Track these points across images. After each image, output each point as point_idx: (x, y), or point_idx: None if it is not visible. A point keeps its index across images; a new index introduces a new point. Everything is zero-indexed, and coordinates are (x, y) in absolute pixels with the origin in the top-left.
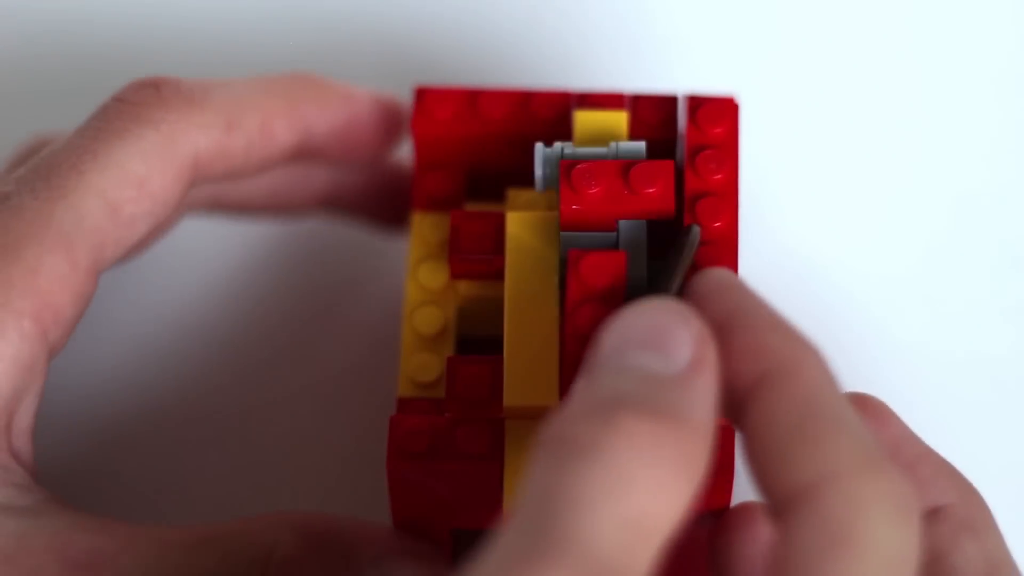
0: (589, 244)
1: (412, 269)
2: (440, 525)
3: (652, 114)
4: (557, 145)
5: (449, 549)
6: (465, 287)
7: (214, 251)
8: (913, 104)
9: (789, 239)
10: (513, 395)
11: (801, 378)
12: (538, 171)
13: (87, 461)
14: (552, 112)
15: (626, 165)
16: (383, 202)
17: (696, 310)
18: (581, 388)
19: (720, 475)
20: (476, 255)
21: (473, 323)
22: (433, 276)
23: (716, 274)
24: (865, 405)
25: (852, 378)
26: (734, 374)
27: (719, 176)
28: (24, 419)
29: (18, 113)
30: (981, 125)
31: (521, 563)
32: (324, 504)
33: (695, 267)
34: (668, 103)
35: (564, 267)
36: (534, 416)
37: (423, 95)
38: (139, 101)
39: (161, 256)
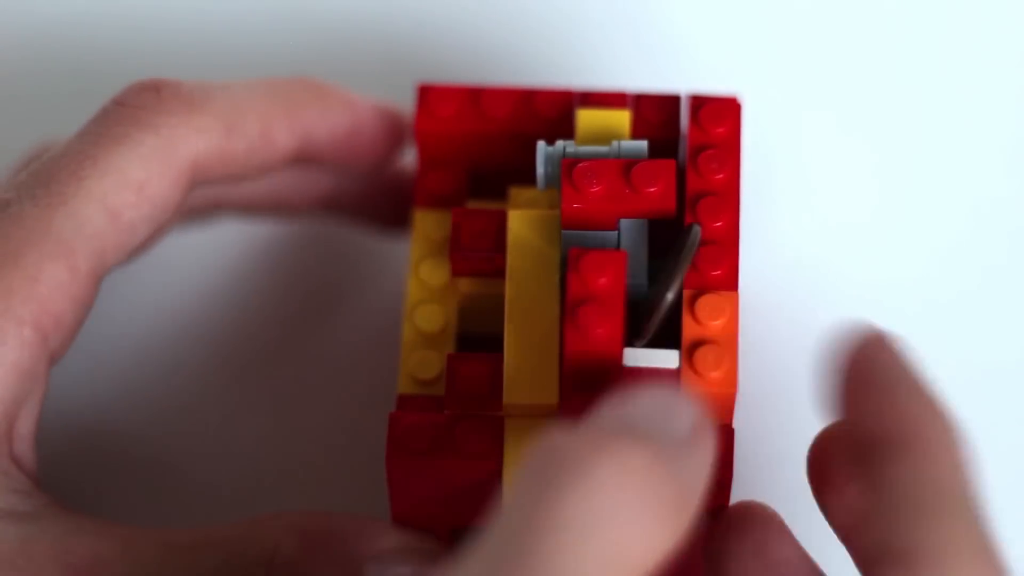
0: (590, 243)
1: (413, 266)
2: (440, 522)
3: (654, 113)
4: (559, 143)
5: (449, 545)
6: (466, 285)
7: (213, 251)
8: (914, 103)
9: (790, 239)
10: (513, 393)
11: (936, 455)
12: (540, 169)
13: (87, 462)
14: (554, 110)
15: (628, 164)
16: (384, 205)
17: (847, 361)
18: (587, 418)
19: (720, 474)
20: (477, 252)
21: (474, 321)
22: (434, 273)
23: (870, 331)
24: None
25: None
26: (874, 428)
27: (721, 176)
28: (25, 425)
29: (23, 117)
30: (981, 124)
31: None
32: (324, 502)
33: (696, 267)
34: (671, 102)
35: (565, 266)
36: (534, 414)
37: (426, 93)
38: (139, 104)
39: (160, 257)
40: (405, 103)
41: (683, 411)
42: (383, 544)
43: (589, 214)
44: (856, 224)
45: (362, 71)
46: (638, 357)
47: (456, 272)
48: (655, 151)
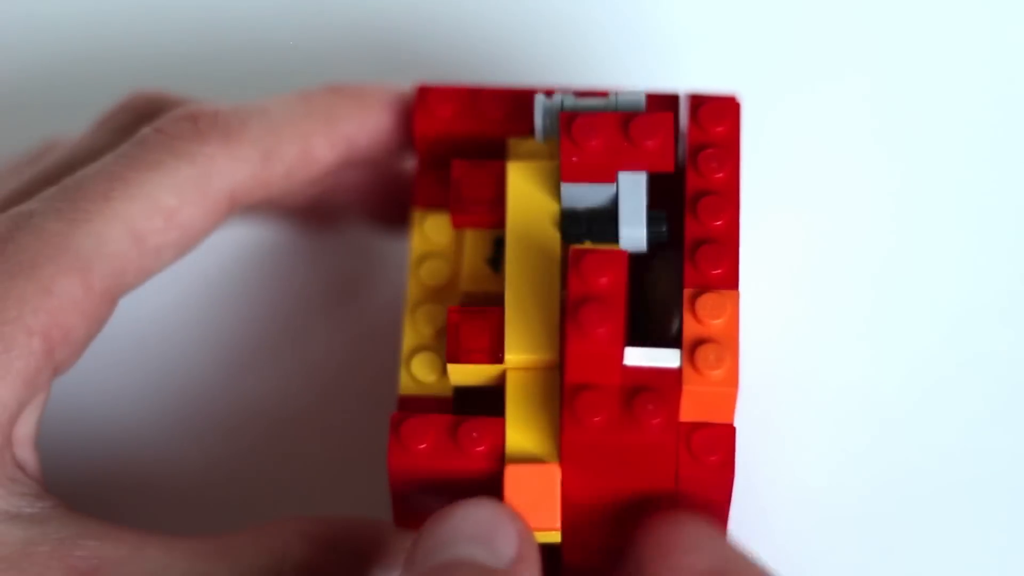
0: (590, 196)
1: (413, 267)
2: None
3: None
4: (557, 96)
5: None
6: (467, 284)
7: (213, 252)
8: (914, 102)
9: (790, 238)
10: (514, 348)
11: None
12: (538, 122)
13: (91, 467)
14: None
15: (626, 118)
16: (385, 202)
17: (683, 559)
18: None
19: (721, 473)
20: (477, 205)
21: None
22: (434, 274)
23: (697, 525)
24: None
25: (851, 377)
26: None
27: (721, 175)
28: (26, 429)
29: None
30: (982, 124)
31: None
32: (325, 502)
33: (696, 265)
34: (670, 102)
35: (566, 221)
36: (535, 367)
37: (425, 93)
38: (176, 134)
39: None
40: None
41: (505, 535)
42: (392, 547)
43: (588, 168)
44: (856, 223)
45: (362, 71)
46: (639, 356)
47: (457, 224)
48: None
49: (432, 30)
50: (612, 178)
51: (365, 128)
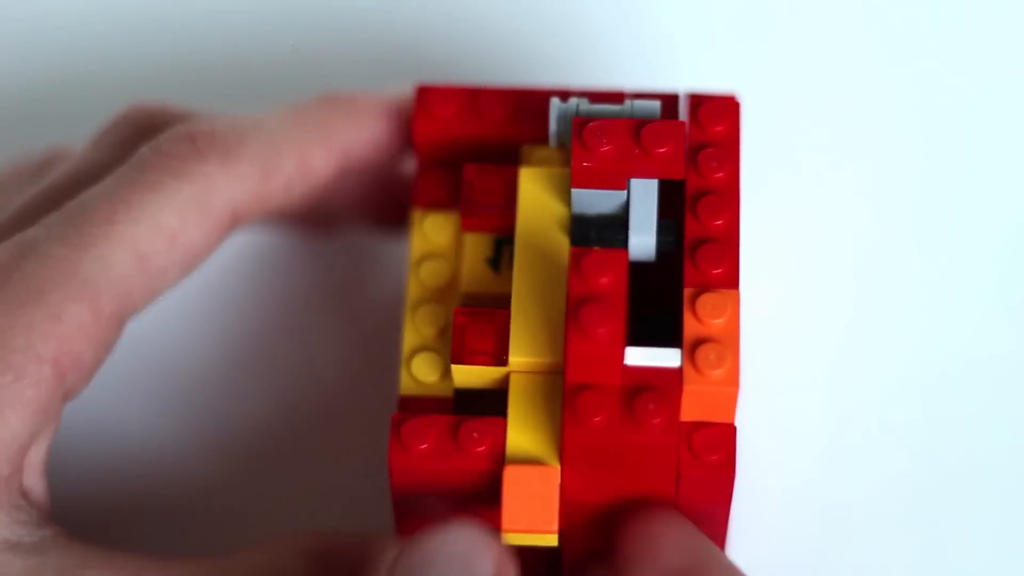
0: (600, 202)
1: (413, 267)
2: (442, 522)
3: None
4: (572, 101)
5: None
6: (467, 284)
7: (213, 256)
8: (914, 102)
9: (790, 237)
10: (519, 350)
11: None
12: (552, 126)
13: (91, 470)
14: None
15: (638, 124)
16: (383, 205)
17: (655, 552)
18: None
19: (722, 472)
20: (488, 209)
21: None
22: (435, 274)
23: (671, 522)
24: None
25: (852, 376)
26: None
27: (720, 174)
28: (36, 455)
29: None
30: (982, 123)
31: None
32: (327, 503)
33: (696, 265)
34: (669, 101)
35: (576, 227)
36: (539, 371)
37: (424, 94)
38: (175, 154)
39: None
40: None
41: (482, 559)
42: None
43: (599, 173)
44: (856, 222)
45: (362, 71)
46: (640, 356)
47: (466, 227)
48: None
49: (432, 30)
50: (623, 185)
51: (360, 137)
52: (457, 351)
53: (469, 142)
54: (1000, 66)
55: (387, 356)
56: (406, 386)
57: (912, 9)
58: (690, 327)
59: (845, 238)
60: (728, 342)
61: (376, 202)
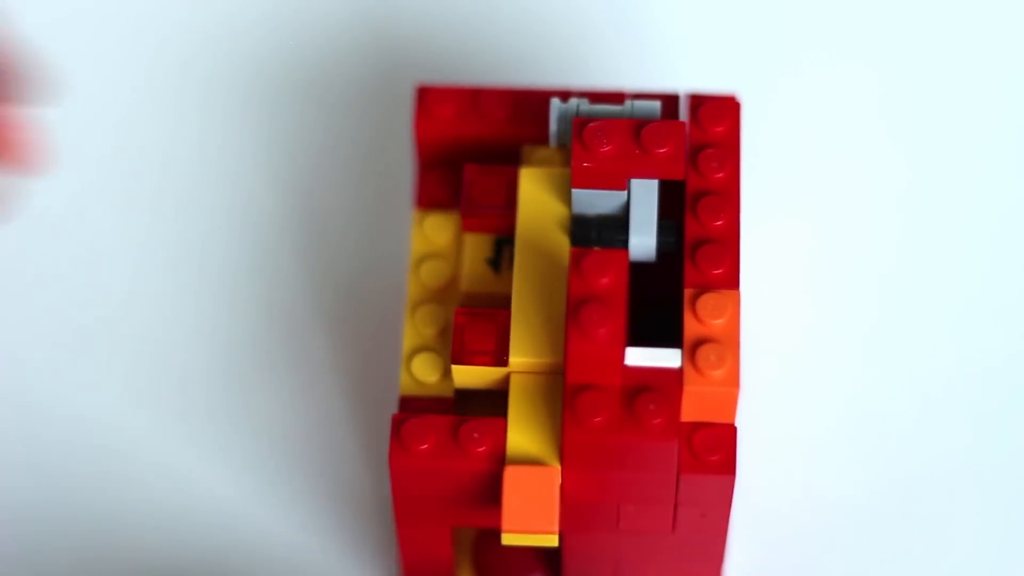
0: (601, 202)
1: (413, 267)
2: (442, 522)
3: None
4: (572, 101)
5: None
6: (467, 284)
7: (212, 253)
8: (916, 101)
9: (791, 237)
10: (519, 351)
11: None
12: (552, 126)
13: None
14: None
15: (638, 124)
16: None
17: None
18: None
19: (722, 473)
20: (488, 209)
21: None
22: (435, 274)
23: None
24: None
25: (853, 377)
26: None
27: (721, 175)
28: None
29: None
30: (983, 122)
31: None
32: (327, 504)
33: (697, 265)
34: (670, 102)
35: (576, 227)
36: (539, 371)
37: (425, 94)
38: None
39: (161, 258)
40: (405, 104)
41: None
42: None
43: (599, 173)
44: (856, 222)
45: (361, 72)
46: (640, 356)
47: (467, 228)
48: None
49: (432, 30)
50: (623, 185)
51: None
52: (457, 351)
53: (469, 142)
54: (1000, 66)
55: (387, 356)
56: (406, 386)
57: (912, 10)
58: (690, 327)
59: (845, 238)
60: (728, 342)
61: None
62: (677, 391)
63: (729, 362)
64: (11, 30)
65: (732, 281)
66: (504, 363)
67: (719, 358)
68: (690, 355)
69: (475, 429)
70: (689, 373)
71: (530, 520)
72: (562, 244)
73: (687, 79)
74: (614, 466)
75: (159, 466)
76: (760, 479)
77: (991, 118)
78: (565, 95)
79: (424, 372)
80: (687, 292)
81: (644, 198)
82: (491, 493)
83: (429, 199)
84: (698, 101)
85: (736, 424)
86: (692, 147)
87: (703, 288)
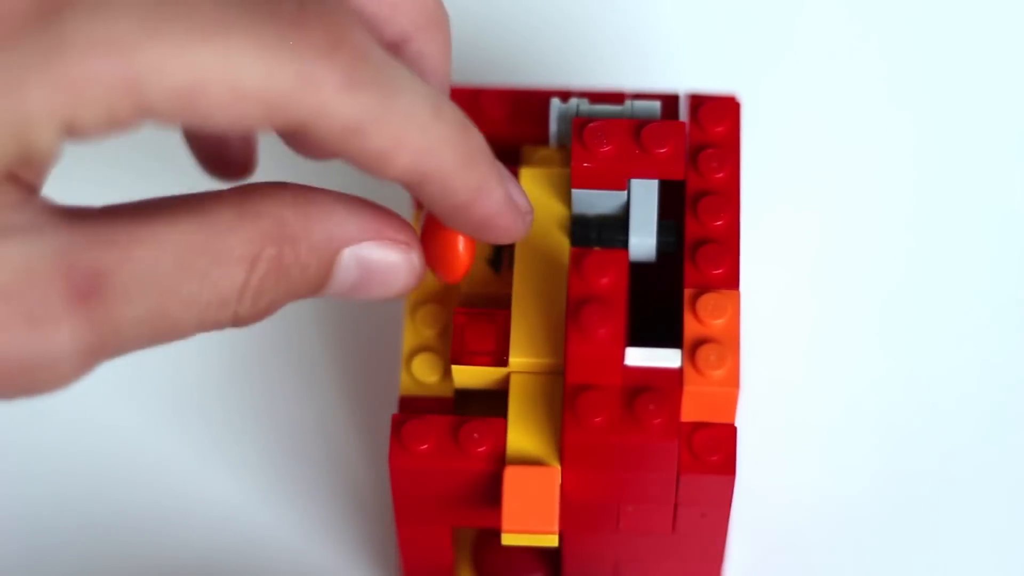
0: (601, 202)
1: None
2: (442, 521)
3: None
4: (572, 101)
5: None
6: (467, 284)
7: None
8: (914, 103)
9: (791, 238)
10: (519, 351)
11: None
12: (552, 126)
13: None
14: None
15: (638, 124)
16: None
17: None
18: None
19: (722, 473)
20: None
21: None
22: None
23: None
24: None
25: (853, 374)
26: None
27: (721, 175)
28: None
29: None
30: (983, 122)
31: None
32: (328, 504)
33: (697, 266)
34: (669, 102)
35: (576, 227)
36: (539, 371)
37: None
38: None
39: None
40: None
41: None
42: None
43: (599, 174)
44: (856, 222)
45: None
46: (640, 357)
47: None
48: None
49: None
50: (623, 185)
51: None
52: (457, 352)
53: None
54: (999, 67)
55: (387, 356)
56: (406, 386)
57: (912, 10)
58: (690, 328)
59: (845, 238)
60: (728, 342)
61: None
62: (677, 391)
63: (729, 362)
64: None
65: (732, 281)
66: (504, 363)
67: (719, 358)
68: (690, 355)
69: (475, 429)
70: (689, 373)
71: (530, 520)
72: (562, 244)
73: (687, 79)
74: (614, 466)
75: (159, 466)
76: (760, 479)
77: (992, 117)
78: (565, 95)
79: (424, 372)
80: (687, 292)
81: (644, 198)
82: (491, 493)
83: None
84: (698, 101)
85: (736, 424)
86: (692, 147)
87: (703, 288)
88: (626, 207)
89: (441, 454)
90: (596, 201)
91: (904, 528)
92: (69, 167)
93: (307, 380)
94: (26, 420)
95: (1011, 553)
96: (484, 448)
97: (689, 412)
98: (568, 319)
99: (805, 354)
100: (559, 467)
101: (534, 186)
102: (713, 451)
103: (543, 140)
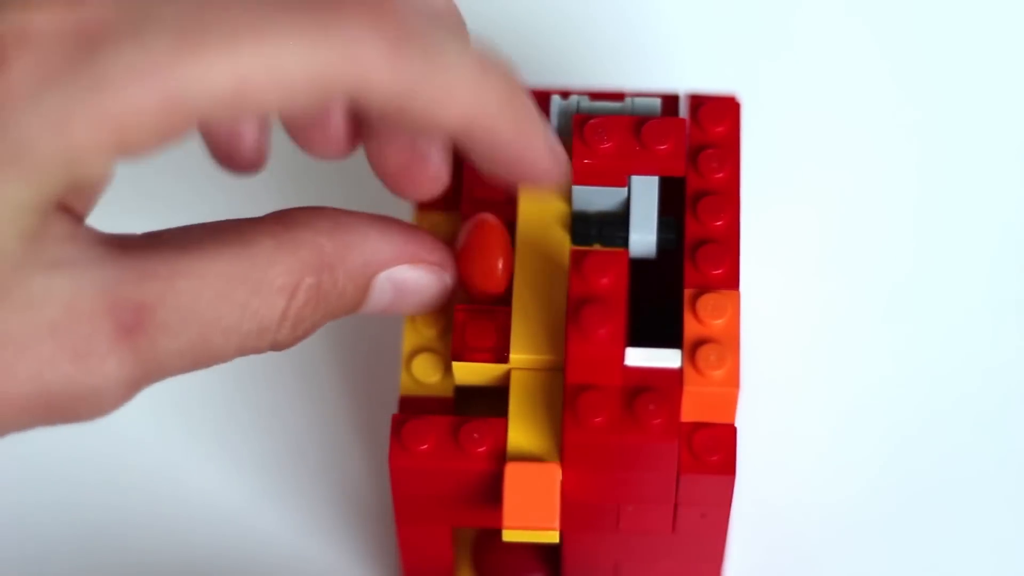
0: (601, 199)
1: None
2: (443, 522)
3: None
4: (573, 98)
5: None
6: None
7: None
8: (914, 102)
9: (791, 238)
10: (519, 347)
11: None
12: (553, 123)
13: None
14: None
15: (638, 121)
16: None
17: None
18: None
19: (722, 473)
20: (489, 205)
21: None
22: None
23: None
24: None
25: (853, 374)
26: None
27: (721, 175)
28: (89, 194)
29: None
30: (983, 122)
31: None
32: (329, 504)
33: (697, 266)
34: (670, 102)
35: (576, 224)
36: (539, 368)
37: None
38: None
39: None
40: None
41: None
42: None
43: (599, 170)
44: (857, 221)
45: None
46: (640, 357)
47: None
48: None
49: None
50: (623, 182)
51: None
52: (458, 348)
53: None
54: (1000, 67)
55: (387, 356)
56: (406, 387)
57: (912, 10)
58: (690, 328)
59: (845, 239)
60: (728, 343)
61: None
62: (677, 391)
63: (729, 362)
64: None
65: (732, 281)
66: (504, 360)
67: (719, 358)
68: (690, 355)
69: (475, 429)
70: (689, 373)
71: (531, 516)
72: (562, 241)
73: (687, 79)
74: (614, 466)
75: (160, 466)
76: (760, 479)
77: (994, 115)
78: (565, 94)
79: (424, 372)
80: (687, 292)
81: (644, 195)
82: (491, 493)
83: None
84: (698, 101)
85: (736, 424)
86: (692, 147)
87: (703, 288)
88: (626, 204)
89: (441, 454)
90: (596, 198)
91: (905, 528)
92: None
93: (307, 380)
94: None
95: (1013, 553)
96: (484, 448)
97: (689, 412)
98: (568, 319)
99: (805, 354)
100: (560, 463)
101: None
102: (713, 451)
103: None
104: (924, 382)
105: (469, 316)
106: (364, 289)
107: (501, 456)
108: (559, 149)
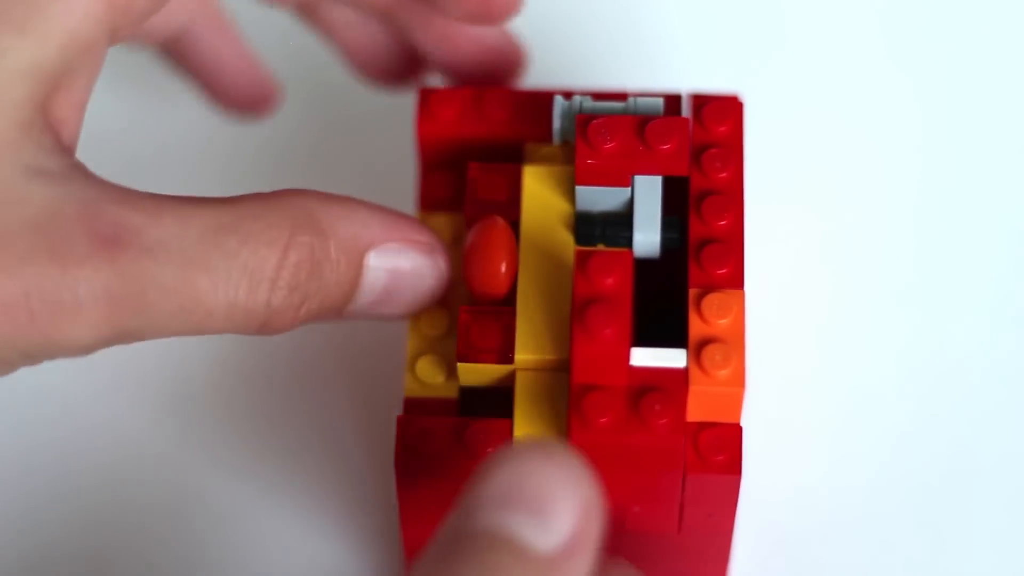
0: (604, 199)
1: None
2: None
3: None
4: (576, 98)
5: None
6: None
7: None
8: (916, 102)
9: (795, 237)
10: (524, 348)
11: None
12: (556, 124)
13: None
14: None
15: (642, 121)
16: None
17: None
18: (447, 539)
19: (727, 472)
20: (492, 206)
21: None
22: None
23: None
24: None
25: (858, 373)
26: None
27: (724, 174)
28: (76, 94)
29: None
30: (984, 122)
31: None
32: (330, 505)
33: (701, 266)
34: (672, 101)
35: (580, 224)
36: (544, 368)
37: (427, 96)
38: None
39: None
40: (406, 105)
41: (563, 509)
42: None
43: (603, 170)
44: (857, 221)
45: None
46: (646, 357)
47: (471, 226)
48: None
49: None
50: (627, 182)
51: None
52: (463, 349)
53: (471, 144)
54: (1000, 67)
55: (391, 358)
56: (410, 388)
57: (914, 10)
58: (695, 327)
59: (849, 238)
60: (734, 342)
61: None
62: (682, 391)
63: (734, 362)
64: None
65: (737, 281)
66: (509, 360)
67: (724, 358)
68: (695, 355)
69: (480, 431)
70: (694, 373)
71: None
72: (566, 241)
73: (689, 79)
74: (620, 466)
75: (161, 466)
76: (766, 479)
77: (994, 118)
78: (568, 94)
79: (428, 374)
80: (692, 292)
81: (648, 194)
82: None
83: (431, 201)
84: (701, 101)
85: (741, 424)
86: (695, 147)
87: (708, 288)
88: (630, 204)
89: (446, 455)
90: (600, 198)
91: (911, 528)
92: None
93: (312, 381)
94: (29, 420)
95: (1016, 551)
96: (490, 450)
97: (695, 412)
98: (573, 320)
99: (810, 353)
100: None
101: (537, 183)
102: (719, 451)
103: (546, 138)
104: (928, 380)
105: (474, 317)
106: (357, 266)
107: None
108: None
